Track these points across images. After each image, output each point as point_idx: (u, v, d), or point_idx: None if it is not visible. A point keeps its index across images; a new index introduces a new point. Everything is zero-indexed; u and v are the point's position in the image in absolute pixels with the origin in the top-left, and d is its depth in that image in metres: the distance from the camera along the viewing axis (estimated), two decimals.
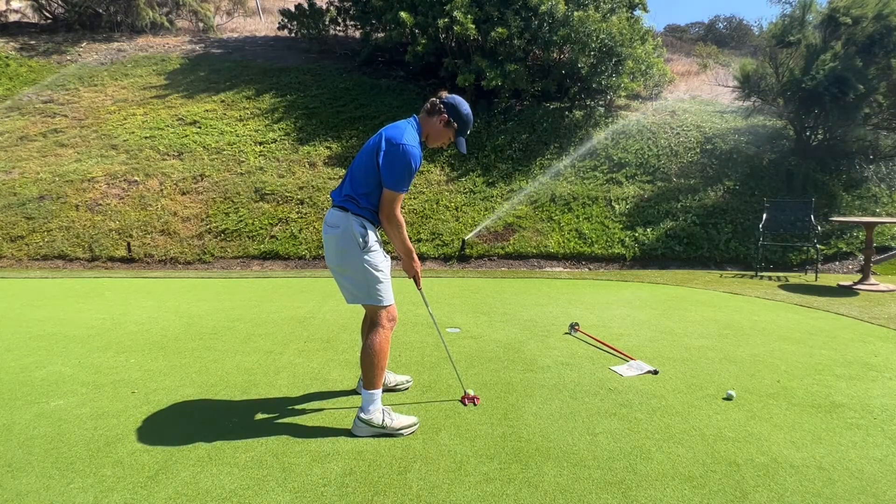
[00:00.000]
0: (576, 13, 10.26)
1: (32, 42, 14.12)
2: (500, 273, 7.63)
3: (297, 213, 8.58)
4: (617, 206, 9.16)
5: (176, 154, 9.74)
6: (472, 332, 4.59)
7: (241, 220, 8.37)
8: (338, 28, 15.04)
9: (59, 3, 15.85)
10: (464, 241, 8.32)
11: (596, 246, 8.48)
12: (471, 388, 3.32)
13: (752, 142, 10.19)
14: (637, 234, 8.62)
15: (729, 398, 3.23)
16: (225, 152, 9.82)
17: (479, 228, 8.62)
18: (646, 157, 10.08)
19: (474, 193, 9.48)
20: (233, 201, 8.73)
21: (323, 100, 11.60)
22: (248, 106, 11.40)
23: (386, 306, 2.78)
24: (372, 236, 2.73)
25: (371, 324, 2.81)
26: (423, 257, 8.17)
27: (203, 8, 16.20)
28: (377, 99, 11.70)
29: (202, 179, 9.13)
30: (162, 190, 8.87)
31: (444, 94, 2.92)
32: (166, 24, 15.51)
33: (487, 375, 3.60)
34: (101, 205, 8.48)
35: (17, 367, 3.71)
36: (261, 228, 8.29)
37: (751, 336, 4.53)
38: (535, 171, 9.95)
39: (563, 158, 10.20)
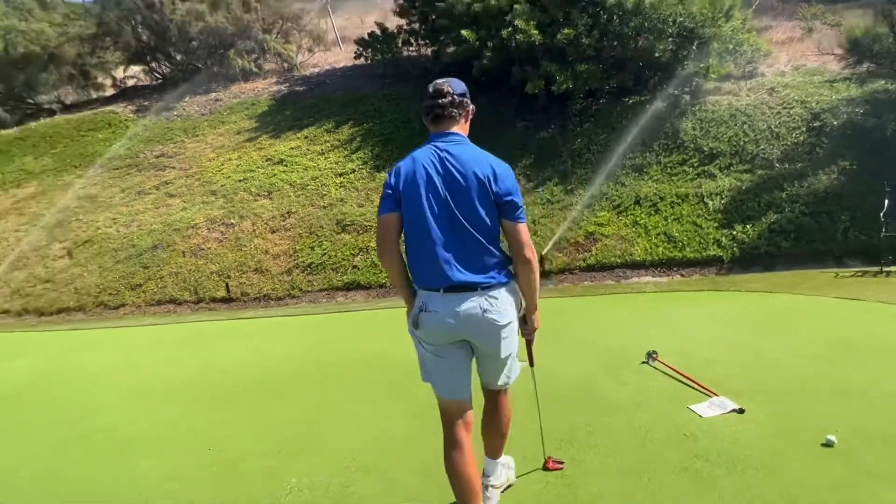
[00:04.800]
0: (647, 0, 9.63)
1: (146, 103, 15.80)
2: (581, 289, 7.29)
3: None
4: (710, 203, 8.42)
5: (266, 194, 10.41)
6: (541, 364, 4.34)
7: (324, 253, 8.73)
8: (411, 49, 15.33)
9: (167, 64, 17.62)
10: (541, 256, 8.06)
11: (688, 249, 7.84)
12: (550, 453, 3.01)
13: (870, 112, 8.92)
14: (735, 233, 7.85)
15: (829, 444, 2.79)
16: (309, 187, 10.32)
17: (554, 239, 8.31)
18: (741, 143, 9.19)
19: (552, 203, 9.17)
20: (317, 235, 9.14)
21: (397, 124, 11.84)
22: (328, 139, 11.91)
23: None
24: None
25: (500, 394, 2.63)
26: None
27: (286, 49, 17.21)
28: None
29: (289, 216, 9.67)
30: (254, 230, 9.50)
31: (447, 87, 2.40)
32: (255, 69, 16.66)
33: (551, 420, 3.38)
34: (203, 249, 9.26)
35: (110, 424, 4.08)
36: (343, 259, 8.59)
37: (869, 358, 3.91)
38: (617, 173, 9.43)
39: (647, 154, 9.58)
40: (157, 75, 18.14)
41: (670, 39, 9.90)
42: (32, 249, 10.14)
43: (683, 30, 9.74)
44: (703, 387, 3.61)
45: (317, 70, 17.20)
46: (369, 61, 15.42)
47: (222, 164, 11.80)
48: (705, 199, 8.49)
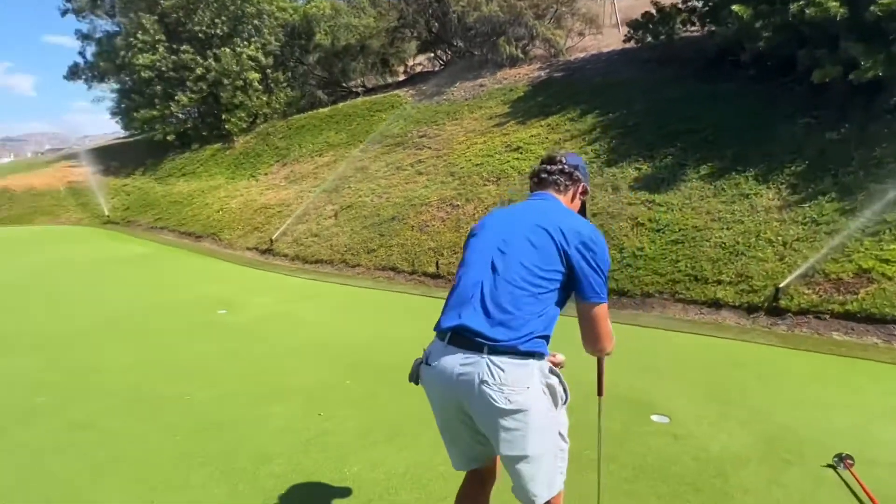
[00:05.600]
0: None
1: (424, 87, 17.72)
2: (820, 341, 5.60)
3: None
4: None
5: (494, 179, 10.71)
6: (683, 427, 3.55)
7: None
8: (692, 28, 13.72)
9: (448, 51, 19.37)
10: (777, 288, 6.45)
11: None
12: None
13: None
14: None
15: None
16: None
17: (804, 268, 6.54)
18: None
19: (817, 224, 7.23)
20: None
21: (644, 115, 10.79)
22: (569, 128, 11.57)
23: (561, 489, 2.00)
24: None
25: None
26: (718, 304, 6.73)
27: (555, 34, 17.16)
28: (708, 108, 10.18)
29: (507, 205, 9.77)
30: (474, 213, 9.90)
31: (559, 157, 2.27)
32: (521, 55, 17.09)
33: (645, 501, 2.75)
34: (428, 226, 10.08)
35: (274, 369, 4.80)
36: None
37: None
38: None
39: None
40: (441, 62, 20.11)
41: None
42: (314, 208, 12.50)
43: None
44: None
45: (582, 55, 16.77)
46: (639, 44, 14.35)
47: (468, 148, 12.54)
48: None
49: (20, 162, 29.90)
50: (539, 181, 2.24)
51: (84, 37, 22.09)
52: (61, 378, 4.77)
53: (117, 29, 20.38)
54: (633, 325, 6.06)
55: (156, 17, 17.90)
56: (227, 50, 17.53)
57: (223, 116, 18.04)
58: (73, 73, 22.55)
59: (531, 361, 1.85)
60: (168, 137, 18.74)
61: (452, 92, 16.54)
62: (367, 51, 19.47)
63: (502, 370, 1.80)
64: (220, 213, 14.30)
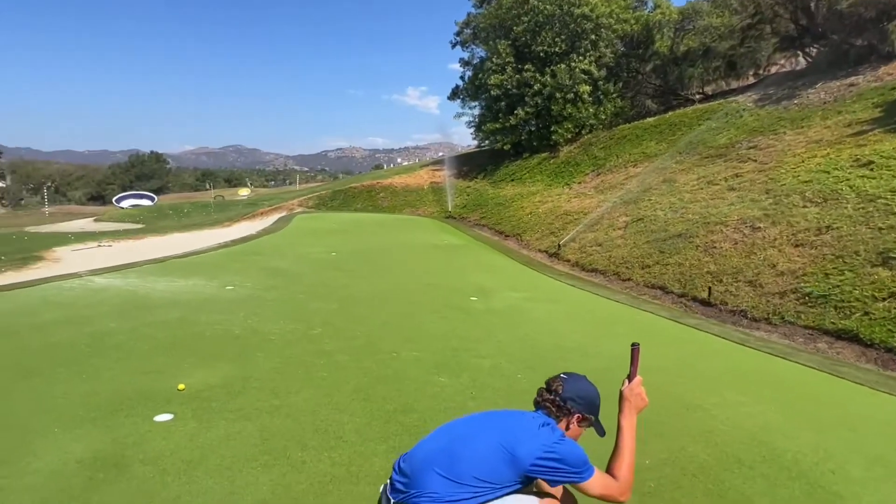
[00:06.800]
0: None
1: (771, 91, 15.26)
2: None
3: None
4: None
5: (819, 201, 8.62)
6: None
7: (837, 286, 6.70)
8: None
9: (816, 46, 16.20)
10: None
11: None
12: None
13: None
14: None
15: None
16: (879, 201, 7.83)
17: None
18: None
19: None
20: (844, 261, 7.03)
21: None
22: None
23: None
24: None
25: None
26: None
27: None
28: None
29: (825, 232, 7.77)
30: (777, 239, 8.21)
31: (557, 385, 2.09)
32: None
33: None
34: (715, 248, 8.84)
35: (472, 350, 5.25)
36: (857, 299, 6.36)
37: None
38: None
39: None
40: (808, 59, 16.98)
41: None
42: (608, 218, 12.41)
43: None
44: None
45: None
46: None
47: (801, 162, 10.43)
48: None
49: (411, 165, 38.27)
50: (535, 404, 2.14)
51: (465, 63, 26.84)
52: (337, 320, 6.34)
53: (486, 55, 24.08)
54: None
55: (509, 42, 20.45)
56: (563, 66, 18.70)
57: (552, 128, 19.38)
58: (454, 93, 27.63)
59: None
60: (505, 147, 21.22)
61: (808, 94, 13.91)
62: (712, 54, 17.86)
63: None
64: (530, 216, 15.55)
